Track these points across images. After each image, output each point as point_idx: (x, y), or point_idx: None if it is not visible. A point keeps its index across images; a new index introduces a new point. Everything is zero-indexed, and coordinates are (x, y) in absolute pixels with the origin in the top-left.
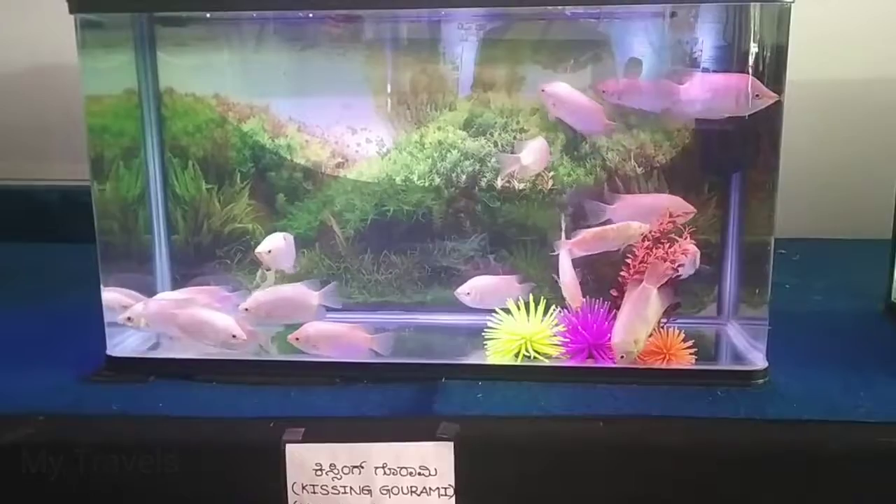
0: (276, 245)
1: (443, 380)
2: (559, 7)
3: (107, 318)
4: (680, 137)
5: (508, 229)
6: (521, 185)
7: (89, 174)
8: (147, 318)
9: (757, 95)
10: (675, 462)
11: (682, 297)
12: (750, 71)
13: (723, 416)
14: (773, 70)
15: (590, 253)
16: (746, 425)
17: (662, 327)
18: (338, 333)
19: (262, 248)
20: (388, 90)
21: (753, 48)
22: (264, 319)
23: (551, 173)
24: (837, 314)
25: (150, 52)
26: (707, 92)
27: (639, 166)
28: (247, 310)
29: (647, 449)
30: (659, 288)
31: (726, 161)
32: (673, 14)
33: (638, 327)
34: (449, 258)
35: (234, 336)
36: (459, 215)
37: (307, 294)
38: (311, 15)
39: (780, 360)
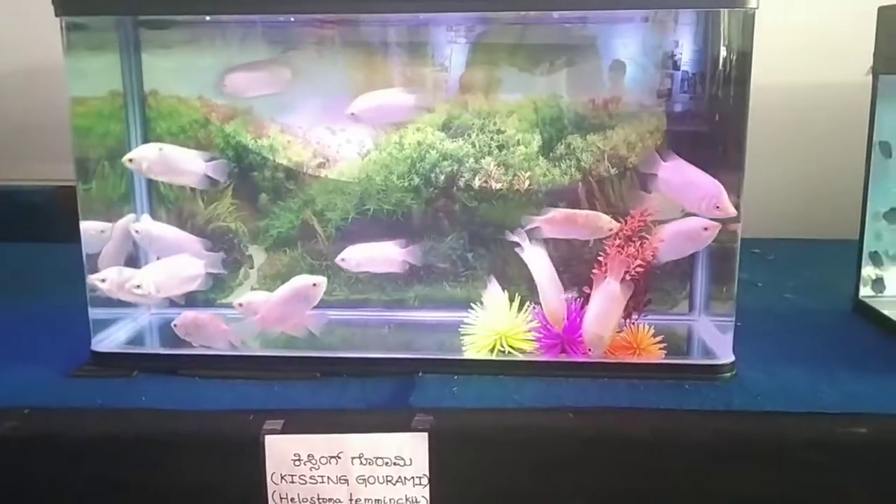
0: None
1: (420, 374)
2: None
3: (91, 314)
4: (652, 139)
5: (486, 228)
6: (499, 185)
7: (74, 174)
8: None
9: (717, 207)
10: (642, 452)
11: (656, 294)
12: (718, 75)
13: (688, 408)
14: (738, 73)
15: (560, 236)
16: (711, 416)
17: (634, 323)
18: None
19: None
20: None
21: (720, 52)
22: (355, 268)
23: (528, 174)
24: (807, 311)
25: (134, 54)
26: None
27: (612, 167)
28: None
29: (614, 439)
30: (623, 282)
31: (698, 163)
32: (645, 19)
33: (603, 321)
34: (428, 256)
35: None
36: (438, 214)
37: (393, 250)
38: (292, 19)
39: (748, 355)
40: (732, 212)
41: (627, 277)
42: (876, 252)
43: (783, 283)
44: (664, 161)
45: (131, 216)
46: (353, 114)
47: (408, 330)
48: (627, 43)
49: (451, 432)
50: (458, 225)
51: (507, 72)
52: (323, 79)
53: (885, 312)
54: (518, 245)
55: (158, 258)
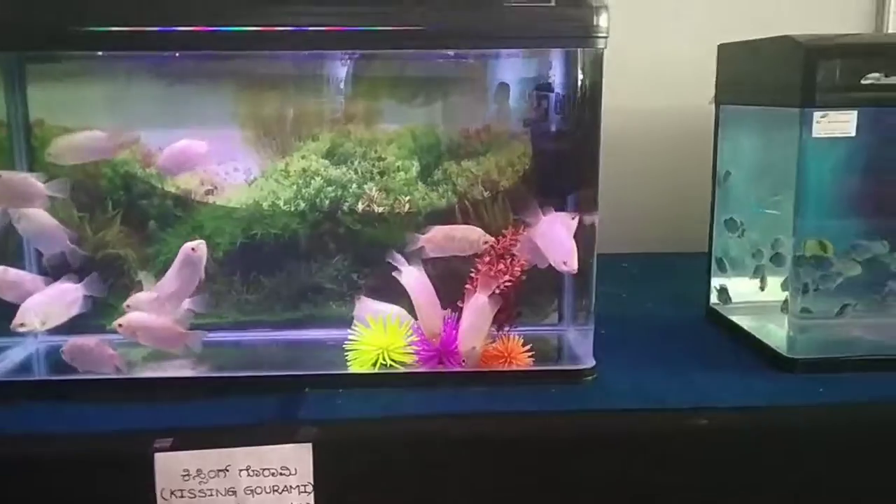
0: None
1: (307, 390)
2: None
3: None
4: (521, 164)
5: (370, 250)
6: (380, 209)
7: None
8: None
9: (565, 263)
10: (512, 451)
11: (529, 307)
12: (574, 106)
13: (551, 410)
14: (590, 104)
15: (442, 254)
16: (571, 416)
17: (507, 334)
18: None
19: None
20: (255, 122)
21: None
22: None
23: (408, 198)
24: (665, 319)
25: (19, 84)
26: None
27: (486, 190)
28: None
29: (486, 441)
30: (492, 297)
31: (560, 184)
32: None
33: (475, 333)
34: (315, 278)
35: None
36: (324, 238)
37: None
38: (177, 55)
39: (611, 360)
40: (574, 271)
41: (497, 292)
42: (722, 261)
43: (645, 293)
44: (543, 215)
45: None
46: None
47: (295, 349)
48: (497, 76)
49: (335, 442)
50: (344, 247)
51: (386, 104)
52: (209, 110)
53: (732, 318)
54: (396, 269)
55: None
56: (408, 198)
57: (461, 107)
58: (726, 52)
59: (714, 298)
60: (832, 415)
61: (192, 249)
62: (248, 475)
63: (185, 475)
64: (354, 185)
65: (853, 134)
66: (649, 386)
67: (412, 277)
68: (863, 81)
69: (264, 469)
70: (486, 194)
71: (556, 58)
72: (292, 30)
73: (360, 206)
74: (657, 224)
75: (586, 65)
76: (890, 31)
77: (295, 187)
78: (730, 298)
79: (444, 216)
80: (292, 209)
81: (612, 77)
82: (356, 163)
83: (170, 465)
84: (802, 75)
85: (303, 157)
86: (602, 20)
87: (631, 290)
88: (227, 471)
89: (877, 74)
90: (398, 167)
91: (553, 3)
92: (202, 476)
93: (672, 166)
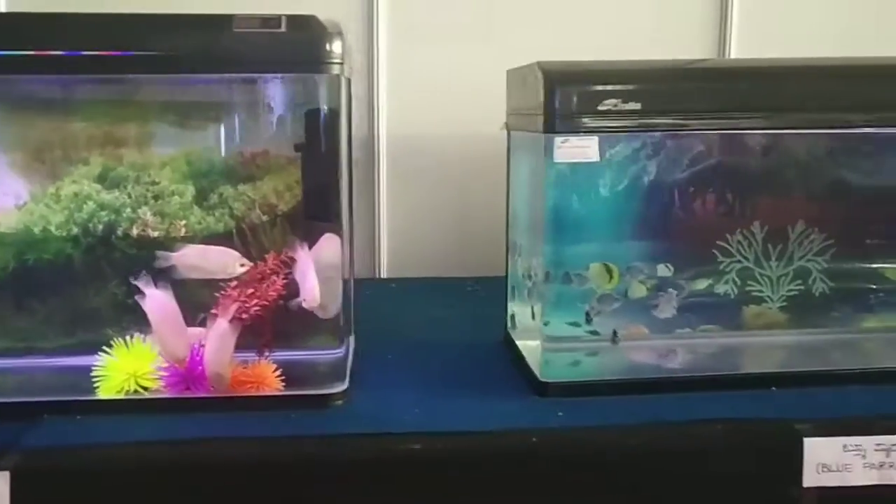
0: None
1: (45, 416)
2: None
3: None
4: (297, 189)
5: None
6: (156, 233)
7: None
8: None
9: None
10: (244, 475)
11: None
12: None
13: (288, 434)
14: (328, 129)
15: (196, 275)
16: (305, 441)
17: (266, 358)
18: None
19: None
20: (21, 146)
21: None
22: None
23: (183, 222)
24: (463, 344)
25: None
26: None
27: (263, 214)
28: None
29: (218, 467)
30: (232, 321)
31: (324, 209)
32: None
33: (219, 358)
34: (91, 303)
35: None
36: (100, 262)
37: None
38: None
39: (382, 384)
40: (314, 306)
41: (244, 316)
42: (513, 286)
43: (462, 317)
44: (300, 248)
45: None
46: None
47: (66, 375)
48: (269, 100)
49: (35, 471)
50: (119, 272)
51: (158, 127)
52: None
53: (518, 342)
54: (140, 293)
55: None
56: (184, 222)
57: (236, 130)
58: (514, 78)
59: (509, 323)
60: (561, 438)
61: None
62: None
63: None
64: (128, 210)
65: (596, 159)
66: (396, 411)
67: (154, 300)
68: (599, 108)
69: None
70: (264, 218)
71: (317, 83)
72: (33, 54)
73: (134, 231)
74: (456, 249)
75: (328, 90)
76: (733, 55)
77: (67, 212)
78: (516, 324)
79: (222, 241)
80: (65, 234)
81: (421, 102)
82: (129, 187)
83: None
84: (544, 101)
85: (74, 182)
86: (335, 46)
87: (444, 314)
88: None
89: (614, 101)
90: (173, 191)
91: (283, 30)
92: None
93: (460, 189)
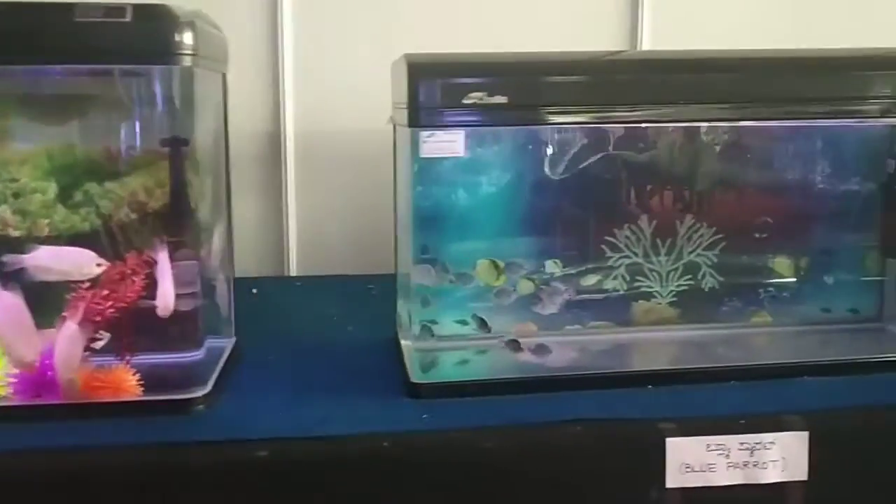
0: None
1: None
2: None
3: None
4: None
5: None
6: (18, 233)
7: None
8: None
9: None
10: (112, 488)
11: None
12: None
13: (135, 442)
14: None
15: (51, 277)
16: (160, 448)
17: (123, 363)
18: None
19: None
20: None
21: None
22: None
23: (47, 221)
24: (357, 343)
25: None
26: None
27: (133, 212)
28: None
29: (80, 478)
30: (82, 324)
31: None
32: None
33: (68, 363)
34: None
35: None
36: None
37: None
38: None
39: (253, 387)
40: (167, 313)
41: (98, 319)
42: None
43: (355, 316)
44: (161, 250)
45: None
46: None
47: None
48: (130, 93)
49: None
50: None
51: (16, 122)
52: None
53: (403, 342)
54: None
55: None
56: (47, 221)
57: (101, 126)
58: (397, 70)
59: (398, 322)
60: (415, 441)
61: None
62: None
63: None
64: None
65: (462, 154)
66: (257, 417)
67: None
68: (465, 101)
69: None
70: (133, 216)
71: (170, 76)
72: None
73: None
74: (357, 246)
75: (180, 84)
76: (645, 47)
77: None
78: (401, 323)
79: (89, 240)
80: None
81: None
82: None
83: None
84: (408, 94)
85: None
86: (186, 37)
87: (346, 312)
88: None
89: (479, 94)
90: (34, 188)
91: (128, 20)
92: None
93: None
